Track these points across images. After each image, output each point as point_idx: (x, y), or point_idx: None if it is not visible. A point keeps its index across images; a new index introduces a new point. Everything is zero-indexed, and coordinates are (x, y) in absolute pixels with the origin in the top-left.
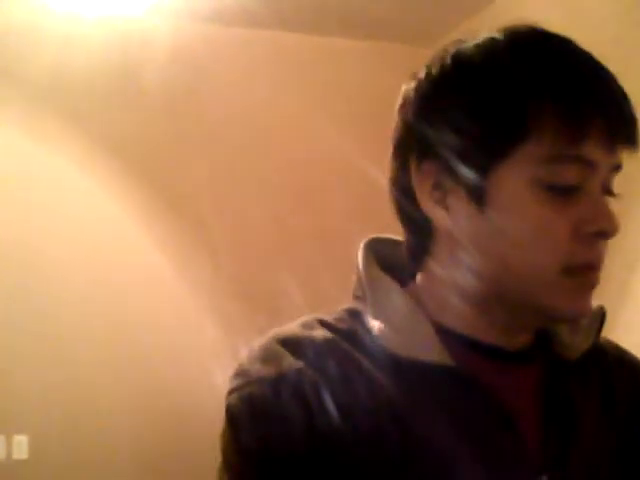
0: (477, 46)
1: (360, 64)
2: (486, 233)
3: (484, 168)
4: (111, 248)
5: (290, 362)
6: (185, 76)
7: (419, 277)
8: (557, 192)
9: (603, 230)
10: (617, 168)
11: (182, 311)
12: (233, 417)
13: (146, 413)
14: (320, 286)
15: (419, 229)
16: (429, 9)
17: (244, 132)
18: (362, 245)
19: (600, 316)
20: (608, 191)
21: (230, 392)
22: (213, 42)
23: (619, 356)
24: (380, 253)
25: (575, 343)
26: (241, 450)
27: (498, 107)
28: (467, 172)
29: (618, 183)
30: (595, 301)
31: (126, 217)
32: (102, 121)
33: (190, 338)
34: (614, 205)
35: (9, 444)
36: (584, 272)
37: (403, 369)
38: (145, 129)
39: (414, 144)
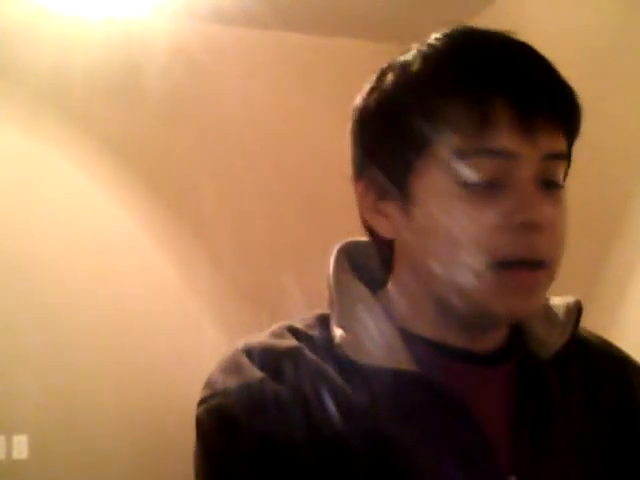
0: (395, 59)
1: (360, 64)
2: (418, 236)
3: (402, 175)
4: (111, 248)
5: (252, 373)
6: (186, 76)
7: (389, 284)
8: (478, 188)
9: (530, 220)
10: (556, 156)
11: (183, 312)
12: (200, 428)
13: (146, 413)
14: (321, 287)
15: (379, 240)
16: (429, 9)
17: (245, 132)
18: (335, 249)
19: (576, 310)
20: (548, 182)
21: (198, 404)
22: (214, 42)
23: (603, 349)
24: (355, 257)
25: (550, 339)
26: (208, 461)
27: (404, 111)
28: (390, 181)
29: (617, 183)
30: (595, 301)
31: (126, 218)
32: (103, 121)
33: (191, 339)
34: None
35: (9, 444)
36: (519, 270)
37: (368, 377)
38: (146, 129)
39: (355, 161)
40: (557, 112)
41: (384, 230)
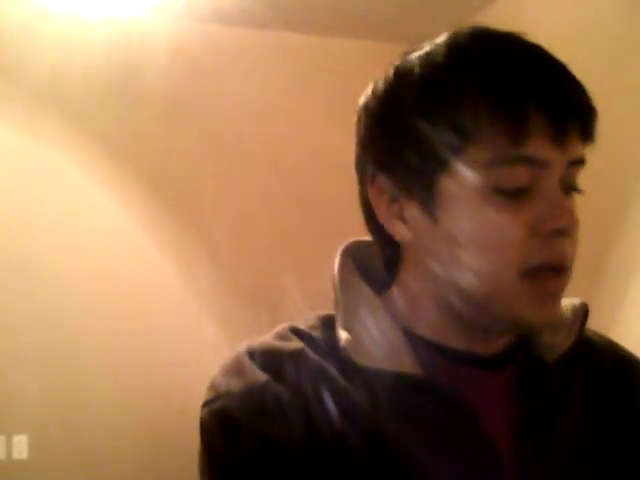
0: (418, 56)
1: (359, 64)
2: (443, 241)
3: (430, 178)
4: (111, 249)
5: (256, 375)
6: (186, 76)
7: (394, 286)
8: (508, 194)
9: (560, 227)
10: (578, 162)
11: (182, 312)
12: (204, 430)
13: (146, 414)
14: (321, 286)
15: (387, 242)
16: (429, 9)
17: (245, 132)
18: (340, 250)
19: (583, 313)
20: (569, 187)
21: (202, 406)
22: (214, 42)
23: (607, 349)
24: (359, 258)
25: (556, 343)
26: (211, 463)
27: (435, 116)
28: (415, 184)
29: (618, 183)
30: (596, 300)
31: (126, 218)
32: (103, 121)
33: (191, 339)
34: (577, 201)
35: (9, 444)
36: (546, 276)
37: (371, 380)
38: (145, 129)
39: (367, 161)
40: (582, 119)
41: (400, 234)
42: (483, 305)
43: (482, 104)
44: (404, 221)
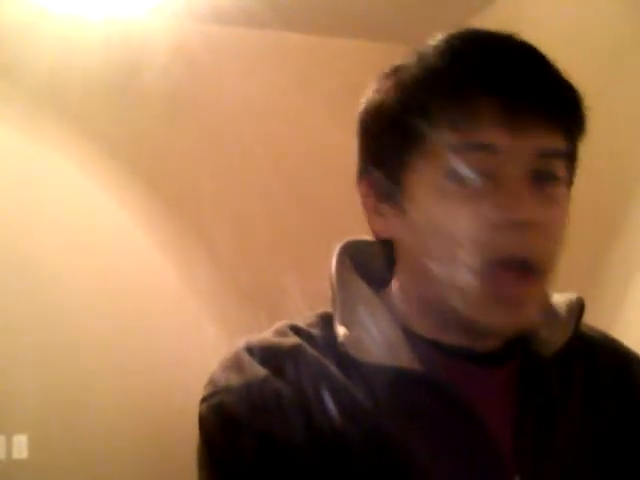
0: (405, 62)
1: (359, 64)
2: (412, 233)
3: (398, 171)
4: (111, 249)
5: (256, 371)
6: (186, 76)
7: (392, 284)
8: (466, 183)
9: (518, 218)
10: (551, 153)
11: (183, 312)
12: (203, 426)
13: (146, 414)
14: (321, 287)
15: (382, 240)
16: (429, 10)
17: (245, 132)
18: (338, 248)
19: (578, 307)
20: (544, 178)
21: (201, 401)
22: (214, 42)
23: (606, 345)
24: (357, 256)
25: (552, 339)
26: (210, 458)
27: (399, 111)
28: (387, 179)
29: (618, 183)
30: (595, 300)
31: (126, 218)
32: (102, 121)
33: (191, 339)
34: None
35: (9, 444)
36: (509, 279)
37: (370, 375)
38: (145, 129)
39: (359, 159)
40: (550, 109)
41: (380, 229)
42: (454, 298)
43: (439, 96)
44: (383, 217)
